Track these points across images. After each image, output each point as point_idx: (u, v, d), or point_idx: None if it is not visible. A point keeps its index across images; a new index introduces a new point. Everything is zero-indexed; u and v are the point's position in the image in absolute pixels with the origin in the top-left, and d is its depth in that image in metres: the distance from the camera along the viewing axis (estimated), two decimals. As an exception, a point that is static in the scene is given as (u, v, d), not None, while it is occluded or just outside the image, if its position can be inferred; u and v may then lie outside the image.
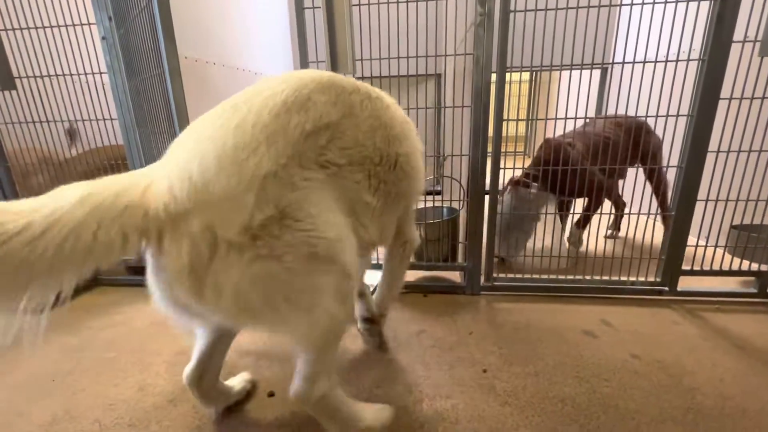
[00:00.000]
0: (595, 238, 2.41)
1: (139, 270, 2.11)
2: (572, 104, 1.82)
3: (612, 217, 2.67)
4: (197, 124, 0.83)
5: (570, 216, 2.38)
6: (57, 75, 1.86)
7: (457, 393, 1.25)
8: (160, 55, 1.23)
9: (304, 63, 1.74)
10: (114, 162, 2.05)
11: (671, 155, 1.78)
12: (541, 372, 1.33)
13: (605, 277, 1.85)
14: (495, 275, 1.91)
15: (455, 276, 2.11)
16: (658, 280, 1.82)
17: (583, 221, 2.36)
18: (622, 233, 2.62)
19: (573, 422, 1.12)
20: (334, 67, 1.62)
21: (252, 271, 0.73)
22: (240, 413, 1.19)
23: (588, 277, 1.87)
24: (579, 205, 2.31)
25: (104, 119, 1.88)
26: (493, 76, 1.66)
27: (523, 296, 1.86)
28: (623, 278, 1.84)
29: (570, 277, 1.87)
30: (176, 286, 0.74)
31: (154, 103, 1.61)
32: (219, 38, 2.78)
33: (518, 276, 1.90)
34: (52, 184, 2.07)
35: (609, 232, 2.66)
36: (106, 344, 1.56)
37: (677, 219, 1.72)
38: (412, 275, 1.96)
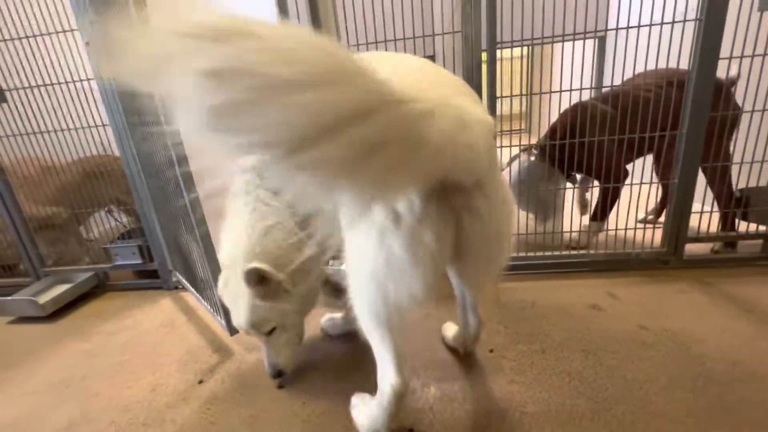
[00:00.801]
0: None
1: (144, 274, 2.15)
2: (570, 77, 1.77)
3: (655, 197, 2.22)
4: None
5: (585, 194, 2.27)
6: (46, 85, 1.85)
7: (464, 374, 1.26)
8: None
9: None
10: (105, 169, 2.06)
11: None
12: (548, 349, 1.33)
13: (609, 251, 1.84)
14: (498, 255, 1.89)
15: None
16: (664, 249, 1.79)
17: (601, 212, 2.01)
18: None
19: (581, 395, 1.12)
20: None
21: None
22: (259, 405, 1.22)
23: (592, 252, 1.85)
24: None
25: (96, 126, 1.88)
26: (484, 55, 1.62)
27: (528, 274, 1.85)
28: (628, 250, 1.82)
29: (574, 252, 1.86)
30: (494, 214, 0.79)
31: (142, 105, 1.60)
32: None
33: (521, 254, 1.89)
34: (57, 192, 2.09)
35: (645, 216, 2.23)
36: (118, 348, 1.59)
37: (681, 185, 1.69)
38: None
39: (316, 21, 1.53)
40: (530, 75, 5.02)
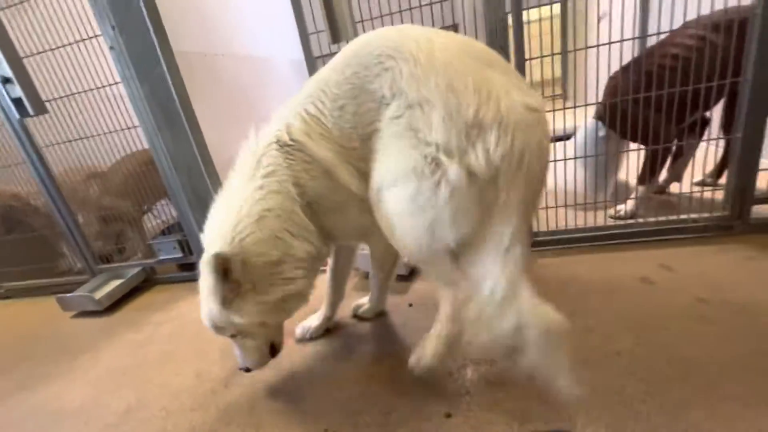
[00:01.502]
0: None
1: (187, 267, 2.25)
2: (611, 30, 1.60)
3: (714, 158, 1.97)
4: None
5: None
6: (79, 92, 1.94)
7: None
8: (156, 53, 1.22)
9: (303, 36, 1.67)
10: (146, 166, 2.15)
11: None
12: (593, 327, 1.24)
13: (662, 218, 1.67)
14: (536, 230, 1.79)
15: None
16: (726, 213, 1.61)
17: (650, 174, 1.86)
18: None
19: (631, 376, 1.04)
20: (334, 34, 1.54)
21: None
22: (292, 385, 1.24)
23: (641, 220, 1.70)
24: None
25: (128, 128, 1.95)
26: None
27: (568, 249, 1.74)
28: (682, 216, 1.65)
29: (620, 222, 1.71)
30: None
31: (168, 105, 1.64)
32: (223, 29, 2.76)
33: (560, 228, 1.77)
34: (101, 194, 2.22)
35: (704, 178, 1.96)
36: (166, 338, 1.68)
37: (745, 139, 1.49)
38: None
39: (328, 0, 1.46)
40: (564, 34, 4.65)
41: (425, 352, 1.15)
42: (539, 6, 1.55)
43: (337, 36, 1.53)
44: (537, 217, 1.77)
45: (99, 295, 2.02)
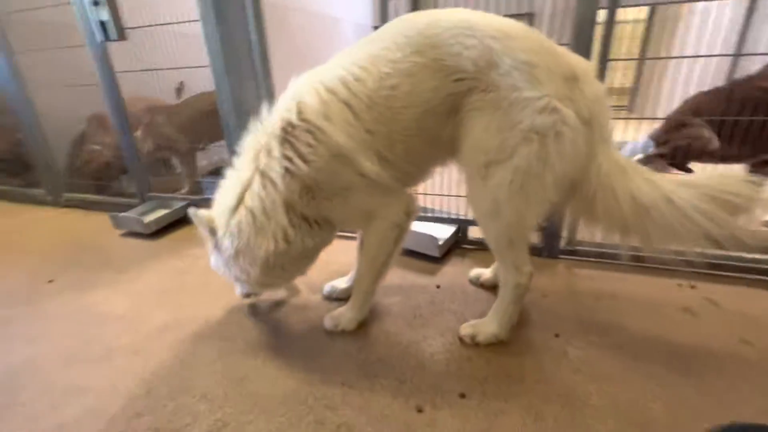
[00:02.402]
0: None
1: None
2: (703, 44, 1.47)
3: None
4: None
5: None
6: (157, 24, 2.01)
7: (524, 352, 1.21)
8: (244, -3, 1.24)
9: (383, 2, 1.64)
10: (212, 108, 2.22)
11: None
12: (625, 345, 1.22)
13: (718, 251, 1.58)
14: (579, 239, 1.74)
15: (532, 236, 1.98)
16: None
17: None
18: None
19: (657, 399, 1.02)
20: (415, 4, 1.50)
21: None
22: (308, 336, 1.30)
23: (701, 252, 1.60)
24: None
25: (197, 66, 2.01)
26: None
27: (611, 265, 1.68)
28: (743, 254, 1.55)
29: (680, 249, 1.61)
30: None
31: (241, 49, 1.67)
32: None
33: (604, 242, 1.71)
34: (163, 125, 2.34)
35: None
36: (203, 270, 1.78)
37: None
38: (484, 232, 1.88)
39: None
40: (646, 40, 4.29)
41: (481, 329, 1.24)
42: (638, 5, 1.44)
43: (418, 5, 1.50)
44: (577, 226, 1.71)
45: (147, 219, 2.16)
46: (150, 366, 1.21)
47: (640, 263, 1.65)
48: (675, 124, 1.73)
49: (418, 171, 1.22)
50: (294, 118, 1.05)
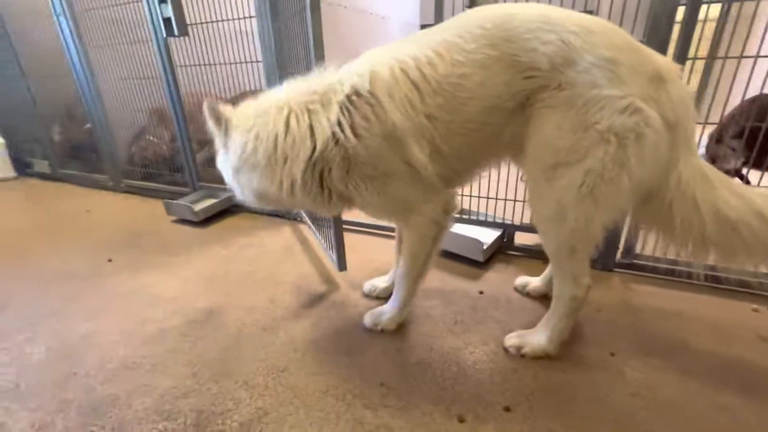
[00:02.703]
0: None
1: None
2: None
3: None
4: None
5: None
6: (214, 21, 2.09)
7: (575, 369, 1.13)
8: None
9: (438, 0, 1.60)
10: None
11: None
12: (691, 370, 1.10)
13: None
14: (638, 252, 1.61)
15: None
16: None
17: None
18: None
19: (732, 437, 0.91)
20: (472, 2, 1.46)
21: None
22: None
23: (775, 272, 1.43)
24: None
25: (249, 62, 2.07)
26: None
27: (671, 282, 1.54)
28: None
29: (756, 270, 1.45)
30: None
31: (294, 45, 1.70)
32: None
33: (670, 258, 1.57)
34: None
35: None
36: (248, 260, 1.83)
37: None
38: (530, 238, 1.79)
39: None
40: (718, 38, 3.93)
41: (528, 341, 1.19)
42: (723, 1, 1.31)
43: (475, 2, 1.45)
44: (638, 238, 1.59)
45: (198, 207, 2.26)
46: (196, 349, 1.26)
47: (706, 282, 1.50)
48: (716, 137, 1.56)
49: (466, 170, 1.17)
50: (364, 87, 1.01)
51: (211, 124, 1.11)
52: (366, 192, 1.09)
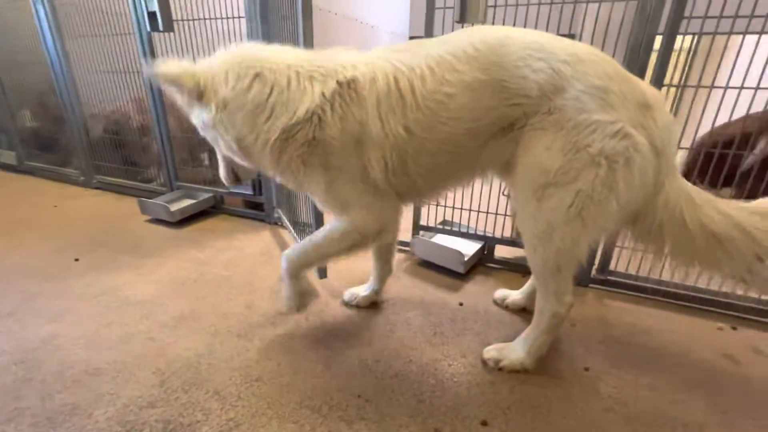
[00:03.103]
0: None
1: (251, 205, 2.35)
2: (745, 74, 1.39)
3: None
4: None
5: None
6: (201, 19, 2.05)
7: (551, 384, 1.14)
8: (296, -5, 1.24)
9: (430, 9, 1.62)
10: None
11: None
12: (661, 387, 1.13)
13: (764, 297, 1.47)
14: (612, 269, 1.66)
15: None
16: None
17: None
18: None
19: (699, 454, 0.94)
20: (463, 13, 1.48)
21: None
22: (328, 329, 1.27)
23: (743, 293, 1.50)
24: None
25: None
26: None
27: (646, 299, 1.59)
28: (793, 302, 1.44)
29: (721, 290, 1.52)
30: None
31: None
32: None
33: (642, 276, 1.62)
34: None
35: None
36: (224, 264, 1.78)
37: None
38: (510, 252, 1.82)
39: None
40: (687, 68, 4.15)
41: (506, 354, 1.20)
42: (698, 34, 1.38)
43: (465, 16, 1.47)
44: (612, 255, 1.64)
45: (174, 208, 2.18)
46: (165, 355, 1.20)
47: (676, 300, 1.56)
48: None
49: (429, 189, 1.18)
50: (359, 86, 1.00)
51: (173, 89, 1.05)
52: (316, 179, 1.08)
